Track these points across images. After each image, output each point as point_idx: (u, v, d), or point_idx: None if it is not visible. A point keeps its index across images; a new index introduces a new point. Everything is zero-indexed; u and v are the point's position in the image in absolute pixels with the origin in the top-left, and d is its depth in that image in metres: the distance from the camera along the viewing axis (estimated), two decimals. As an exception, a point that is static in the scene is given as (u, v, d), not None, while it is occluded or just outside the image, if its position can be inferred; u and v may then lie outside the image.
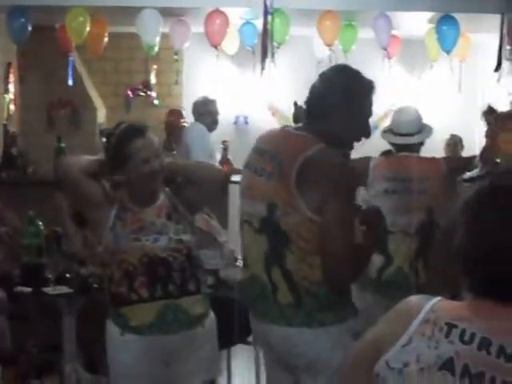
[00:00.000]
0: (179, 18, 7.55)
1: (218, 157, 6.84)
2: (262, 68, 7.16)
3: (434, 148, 5.71)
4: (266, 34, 7.10)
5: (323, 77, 2.97)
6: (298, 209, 2.76)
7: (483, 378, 1.37)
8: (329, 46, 7.52)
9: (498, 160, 1.83)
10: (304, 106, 3.03)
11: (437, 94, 8.99)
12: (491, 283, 1.47)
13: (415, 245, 4.07)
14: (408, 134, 4.34)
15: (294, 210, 2.77)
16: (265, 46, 7.02)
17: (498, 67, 6.72)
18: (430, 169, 4.02)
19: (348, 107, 2.89)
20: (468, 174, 1.94)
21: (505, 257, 1.45)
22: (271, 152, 2.93)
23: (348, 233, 2.70)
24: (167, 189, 3.32)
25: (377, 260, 4.05)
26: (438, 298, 1.52)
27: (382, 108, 9.39)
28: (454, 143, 8.01)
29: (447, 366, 1.40)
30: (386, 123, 9.10)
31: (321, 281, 2.78)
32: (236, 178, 6.86)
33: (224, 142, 6.82)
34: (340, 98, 2.88)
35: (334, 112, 2.87)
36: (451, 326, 1.44)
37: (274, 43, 7.43)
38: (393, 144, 4.48)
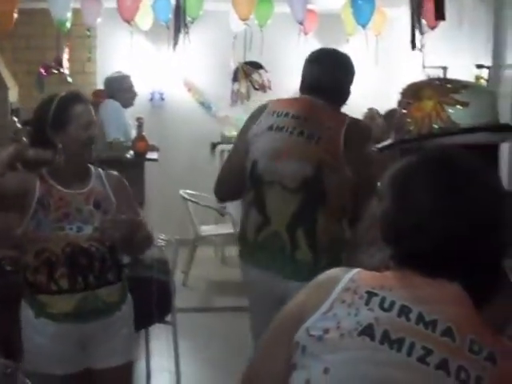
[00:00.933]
0: (91, -8, 7.38)
1: (134, 133, 6.73)
2: (175, 43, 7.09)
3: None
4: (179, 9, 7.03)
5: (324, 57, 3.53)
6: (342, 169, 3.18)
7: (403, 343, 1.39)
8: (244, 20, 7.50)
9: (411, 128, 1.88)
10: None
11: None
12: (413, 255, 1.48)
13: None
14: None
15: (339, 171, 3.18)
16: (178, 21, 6.95)
17: (413, 44, 6.80)
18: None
19: (350, 82, 3.49)
20: (382, 144, 1.98)
21: (429, 230, 1.46)
22: (308, 117, 3.30)
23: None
24: (102, 171, 3.24)
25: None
26: (358, 269, 1.53)
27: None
28: (372, 116, 8.08)
29: (367, 331, 1.40)
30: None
31: (341, 236, 3.24)
32: (152, 155, 6.85)
33: (139, 119, 6.70)
34: (346, 74, 3.49)
35: (342, 86, 3.47)
36: (371, 295, 1.45)
37: (188, 18, 7.37)
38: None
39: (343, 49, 9.37)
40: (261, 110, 3.48)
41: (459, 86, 1.94)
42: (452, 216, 1.45)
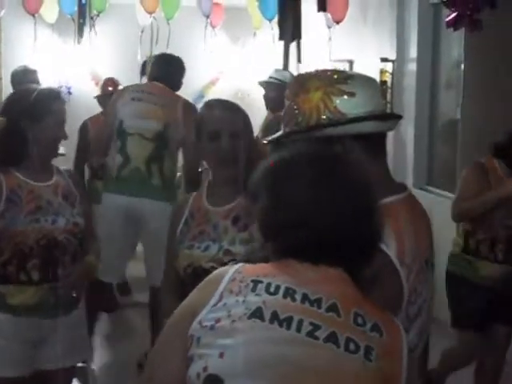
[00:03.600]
0: (-7, -17, 7.22)
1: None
2: (80, 36, 7.03)
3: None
4: (84, 2, 6.97)
5: (162, 56, 5.76)
6: (181, 130, 4.92)
7: (292, 321, 1.45)
8: (150, 13, 7.46)
9: (300, 119, 1.91)
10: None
11: (260, 61, 9.12)
12: (294, 247, 1.54)
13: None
14: None
15: (178, 130, 4.96)
16: (83, 13, 6.89)
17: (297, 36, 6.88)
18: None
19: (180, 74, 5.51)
20: (273, 136, 2.03)
21: (307, 223, 1.52)
22: (156, 93, 5.17)
23: None
24: (63, 168, 3.26)
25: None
26: (243, 264, 1.58)
27: (209, 76, 9.50)
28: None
29: (256, 314, 1.46)
30: (213, 90, 9.25)
31: (176, 173, 5.35)
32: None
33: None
34: (177, 68, 5.48)
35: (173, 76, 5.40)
36: (257, 282, 1.51)
37: (94, 11, 7.30)
38: None
39: (250, 42, 9.50)
40: (126, 89, 5.41)
41: (345, 76, 1.95)
42: (328, 207, 1.53)
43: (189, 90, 8.97)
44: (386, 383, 1.47)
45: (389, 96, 7.25)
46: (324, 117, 1.89)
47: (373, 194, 1.61)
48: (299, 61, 6.37)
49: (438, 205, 6.46)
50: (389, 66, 7.25)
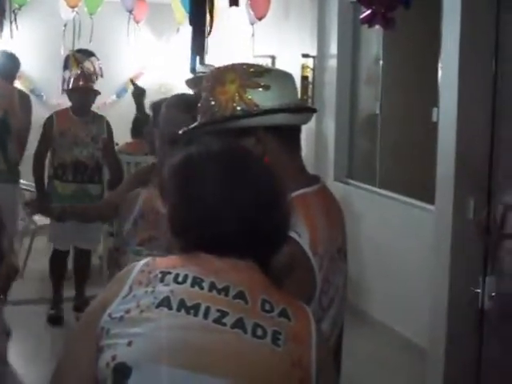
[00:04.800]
0: None
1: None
2: (1, 30, 6.94)
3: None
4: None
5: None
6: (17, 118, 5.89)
7: (199, 308, 1.48)
8: (73, 8, 7.43)
9: (216, 110, 1.96)
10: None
11: (183, 57, 9.15)
12: (203, 242, 1.58)
13: None
14: None
15: (16, 118, 5.90)
16: (2, 6, 6.80)
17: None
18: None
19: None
20: (188, 127, 2.06)
21: (216, 218, 1.57)
22: None
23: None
24: None
25: None
26: (151, 257, 1.62)
27: (132, 71, 9.48)
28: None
29: (164, 303, 1.48)
30: (138, 84, 9.23)
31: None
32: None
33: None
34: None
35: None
36: (165, 273, 1.53)
37: (15, 5, 7.22)
38: None
39: (174, 37, 9.50)
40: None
41: (261, 70, 1.99)
42: (235, 203, 1.57)
43: (112, 84, 9.01)
44: (294, 367, 1.48)
45: (310, 91, 7.36)
46: (239, 108, 1.92)
47: (278, 188, 1.64)
48: (202, 63, 6.36)
49: (358, 196, 6.66)
50: (310, 62, 7.36)
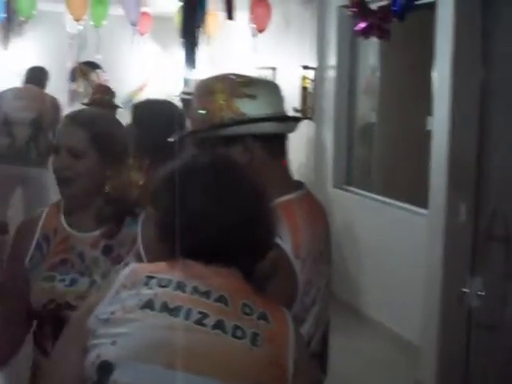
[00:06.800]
0: None
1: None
2: (6, 42, 7.11)
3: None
4: (10, 8, 7.01)
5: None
6: None
7: (180, 310, 1.53)
8: (78, 21, 7.54)
9: (205, 119, 2.03)
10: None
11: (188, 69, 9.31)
12: (187, 248, 1.61)
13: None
14: None
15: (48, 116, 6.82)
16: (9, 20, 6.95)
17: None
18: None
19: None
20: (178, 135, 2.14)
21: (203, 228, 1.62)
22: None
23: None
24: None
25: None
26: (137, 263, 1.75)
27: (137, 83, 9.62)
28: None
29: (147, 305, 1.54)
30: (142, 97, 9.39)
31: None
32: None
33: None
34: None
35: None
36: (150, 278, 1.59)
37: (21, 18, 7.34)
38: None
39: (177, 50, 9.62)
40: None
41: (248, 80, 2.05)
42: (221, 214, 1.62)
43: (118, 95, 9.15)
44: (271, 366, 1.53)
45: (310, 101, 7.49)
46: (227, 117, 1.99)
47: (263, 201, 1.68)
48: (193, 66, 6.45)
49: (357, 203, 6.81)
50: (310, 73, 7.48)
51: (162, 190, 1.70)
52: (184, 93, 6.45)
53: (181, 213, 1.60)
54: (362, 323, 6.37)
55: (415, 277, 5.43)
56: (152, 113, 3.34)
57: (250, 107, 2.00)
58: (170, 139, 2.19)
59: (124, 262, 2.24)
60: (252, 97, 2.01)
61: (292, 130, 2.12)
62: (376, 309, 6.35)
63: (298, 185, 2.13)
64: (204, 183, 1.65)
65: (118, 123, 2.45)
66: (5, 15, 7.33)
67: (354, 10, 4.84)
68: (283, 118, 2.10)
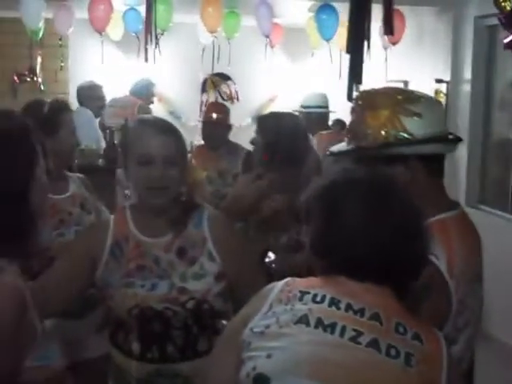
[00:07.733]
0: (62, 2, 7.49)
1: (104, 143, 6.96)
2: (146, 54, 7.25)
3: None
4: (150, 21, 7.17)
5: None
6: None
7: (335, 326, 1.55)
8: (212, 32, 7.64)
9: (368, 135, 1.97)
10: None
11: (318, 81, 9.27)
12: (343, 265, 1.64)
13: None
14: None
15: None
16: (148, 32, 7.09)
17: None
18: None
19: None
20: (336, 147, 2.04)
21: (358, 244, 1.63)
22: None
23: None
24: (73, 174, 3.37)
25: None
26: (291, 278, 1.70)
27: (267, 94, 9.66)
28: (340, 127, 8.28)
29: (302, 320, 1.56)
30: (272, 108, 9.42)
31: None
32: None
33: (109, 128, 6.90)
34: None
35: None
36: (304, 293, 1.61)
37: (158, 30, 7.50)
38: None
39: (308, 62, 9.62)
40: None
41: (412, 96, 2.00)
42: (378, 232, 1.63)
43: (248, 107, 9.22)
44: None
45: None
46: (392, 135, 1.93)
47: (419, 220, 1.67)
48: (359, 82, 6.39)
49: (490, 223, 6.54)
50: (443, 87, 7.31)
51: (316, 205, 1.70)
52: (313, 106, 6.36)
53: (337, 230, 1.63)
54: (491, 347, 6.11)
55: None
56: (277, 125, 3.35)
57: (415, 126, 1.95)
58: (327, 152, 2.15)
59: (198, 262, 2.33)
60: (418, 115, 1.95)
61: (453, 150, 2.07)
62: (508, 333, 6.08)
63: (454, 204, 2.09)
64: (363, 200, 1.65)
65: None
66: (141, 27, 7.50)
67: (503, 19, 4.56)
68: (451, 140, 2.03)
